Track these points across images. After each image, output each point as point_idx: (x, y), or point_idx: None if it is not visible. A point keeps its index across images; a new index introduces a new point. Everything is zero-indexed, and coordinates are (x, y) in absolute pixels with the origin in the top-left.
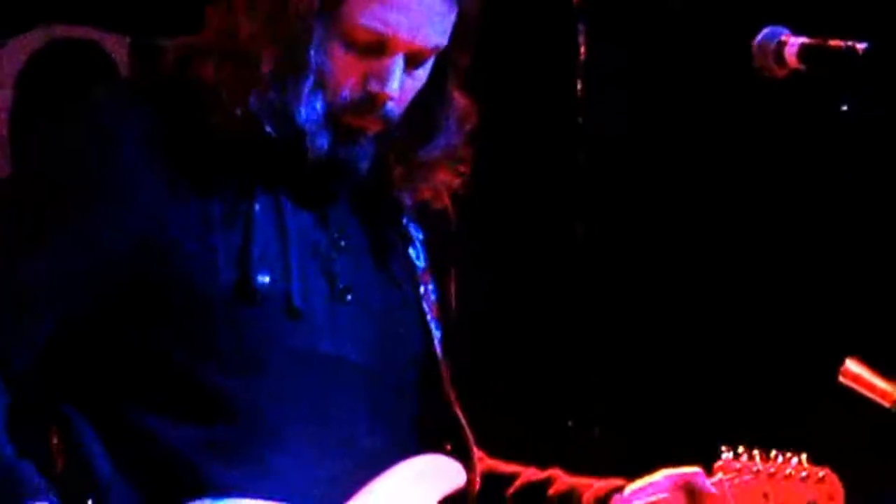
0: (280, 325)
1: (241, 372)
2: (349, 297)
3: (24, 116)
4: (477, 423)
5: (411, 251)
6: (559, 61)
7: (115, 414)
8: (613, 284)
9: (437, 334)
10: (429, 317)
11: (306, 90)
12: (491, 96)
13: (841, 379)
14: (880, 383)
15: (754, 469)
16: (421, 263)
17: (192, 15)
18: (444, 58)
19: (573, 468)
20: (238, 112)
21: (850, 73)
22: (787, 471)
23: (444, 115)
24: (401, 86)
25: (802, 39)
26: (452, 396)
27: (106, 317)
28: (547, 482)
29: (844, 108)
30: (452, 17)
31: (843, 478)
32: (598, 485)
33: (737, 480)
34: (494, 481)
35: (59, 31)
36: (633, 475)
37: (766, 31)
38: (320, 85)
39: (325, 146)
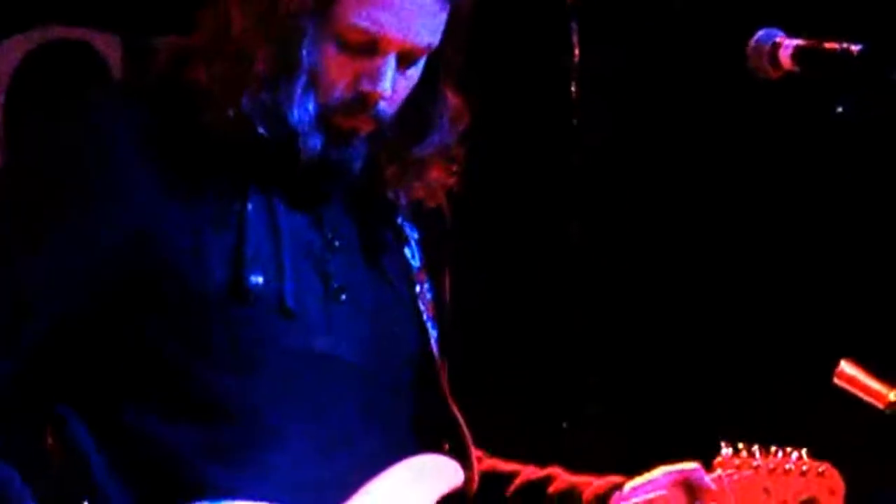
0: (274, 324)
1: (236, 370)
2: (343, 296)
3: (18, 116)
4: (471, 422)
5: (406, 251)
6: (553, 62)
7: (111, 414)
8: (608, 284)
9: (433, 334)
10: (424, 316)
11: (298, 90)
12: (485, 97)
13: (835, 381)
14: (875, 385)
15: (754, 464)
16: (416, 263)
17: (185, 15)
18: (437, 57)
19: (570, 467)
20: (230, 112)
21: (844, 76)
22: (787, 466)
23: (437, 114)
24: (393, 85)
25: (797, 41)
26: (449, 396)
27: (102, 314)
28: (546, 480)
29: (840, 110)
30: (444, 16)
31: (842, 476)
32: (598, 483)
33: (736, 476)
34: (494, 480)
35: (56, 32)
36: (630, 474)
37: (760, 33)
38: (312, 85)
39: (318, 147)
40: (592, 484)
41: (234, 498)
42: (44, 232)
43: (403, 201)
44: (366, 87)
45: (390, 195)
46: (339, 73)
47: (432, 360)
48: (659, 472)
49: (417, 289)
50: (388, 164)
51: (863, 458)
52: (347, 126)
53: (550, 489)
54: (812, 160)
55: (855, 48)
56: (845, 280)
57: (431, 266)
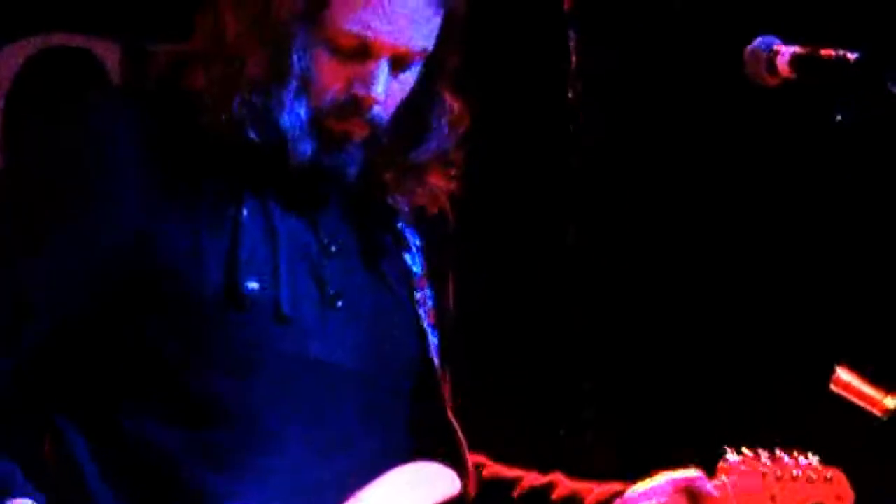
0: (269, 330)
1: (233, 373)
2: (339, 302)
3: (18, 120)
4: (467, 427)
5: (407, 256)
6: (550, 66)
7: (109, 418)
8: (606, 288)
9: (433, 341)
10: (425, 322)
11: (290, 95)
12: (484, 101)
13: (832, 387)
14: (871, 391)
15: (761, 470)
16: (417, 269)
17: (183, 22)
18: (433, 61)
19: (567, 473)
20: (223, 116)
21: (841, 83)
22: (795, 472)
23: (434, 119)
24: (386, 90)
25: (794, 49)
26: (447, 403)
27: (103, 314)
28: (549, 487)
29: (839, 118)
30: (438, 21)
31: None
32: (599, 489)
33: (742, 483)
34: (496, 486)
35: (56, 38)
36: (626, 480)
37: (758, 40)
38: (304, 90)
39: (308, 152)
40: (594, 491)
41: (233, 502)
42: (44, 233)
43: (405, 207)
44: (359, 91)
45: (390, 200)
46: (331, 78)
47: (431, 366)
48: (661, 478)
49: (418, 295)
50: (386, 170)
51: (863, 462)
52: (340, 130)
53: (553, 496)
54: (809, 165)
55: (852, 55)
56: (845, 282)
57: (434, 272)
